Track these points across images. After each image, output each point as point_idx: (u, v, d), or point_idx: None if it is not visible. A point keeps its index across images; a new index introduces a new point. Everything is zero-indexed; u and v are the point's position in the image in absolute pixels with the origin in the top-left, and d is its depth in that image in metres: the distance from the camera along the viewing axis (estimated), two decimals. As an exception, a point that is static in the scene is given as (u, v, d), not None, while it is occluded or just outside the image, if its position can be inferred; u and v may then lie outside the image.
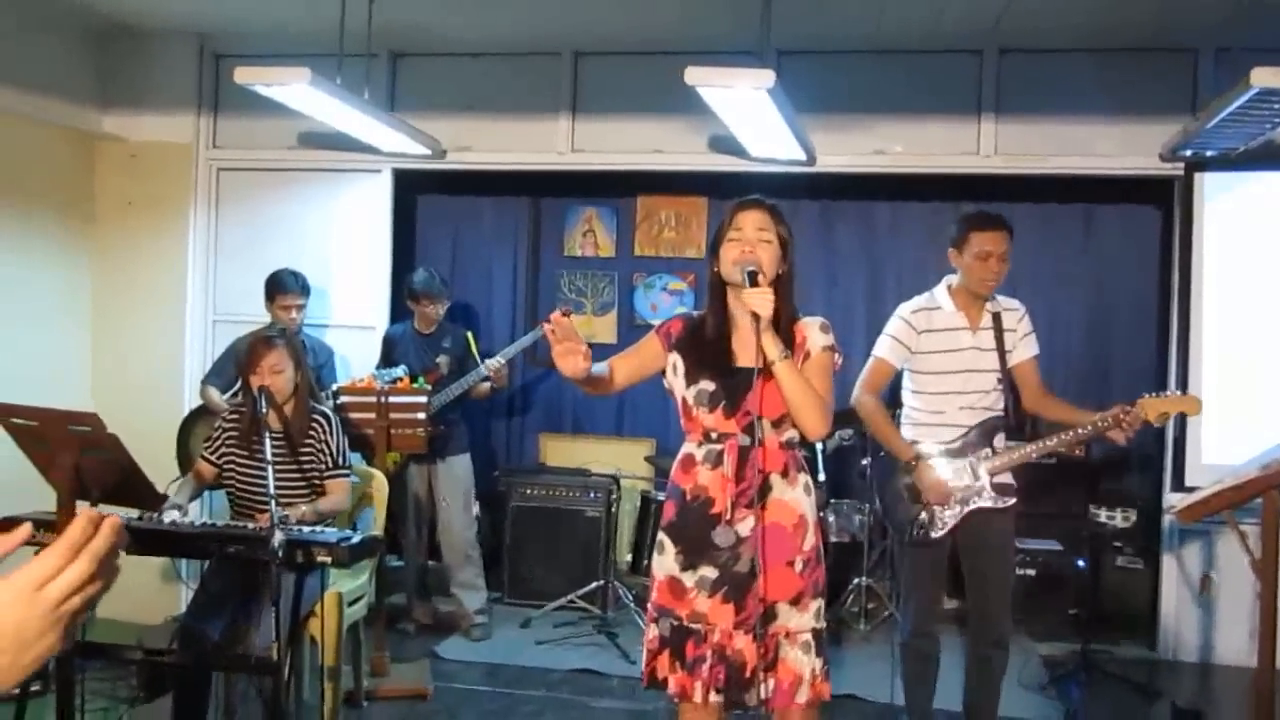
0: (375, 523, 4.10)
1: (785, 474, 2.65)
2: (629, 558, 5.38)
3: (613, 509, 5.47)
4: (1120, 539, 5.22)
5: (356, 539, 3.10)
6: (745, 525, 2.60)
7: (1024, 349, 3.68)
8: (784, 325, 2.63)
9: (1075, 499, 5.42)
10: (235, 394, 4.84)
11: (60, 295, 5.33)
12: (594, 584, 5.27)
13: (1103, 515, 4.72)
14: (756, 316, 2.51)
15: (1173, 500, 4.77)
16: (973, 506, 3.54)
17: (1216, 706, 4.46)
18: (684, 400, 2.69)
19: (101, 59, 5.40)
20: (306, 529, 3.19)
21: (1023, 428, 5.06)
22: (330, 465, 3.71)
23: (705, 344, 2.67)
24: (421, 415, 4.46)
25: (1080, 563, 5.13)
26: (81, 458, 2.74)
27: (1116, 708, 4.46)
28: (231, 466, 3.67)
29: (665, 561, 2.68)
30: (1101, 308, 5.89)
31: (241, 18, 5.13)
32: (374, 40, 4.79)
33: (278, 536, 2.81)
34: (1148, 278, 5.67)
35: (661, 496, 5.15)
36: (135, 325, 5.44)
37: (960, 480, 3.54)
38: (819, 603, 2.68)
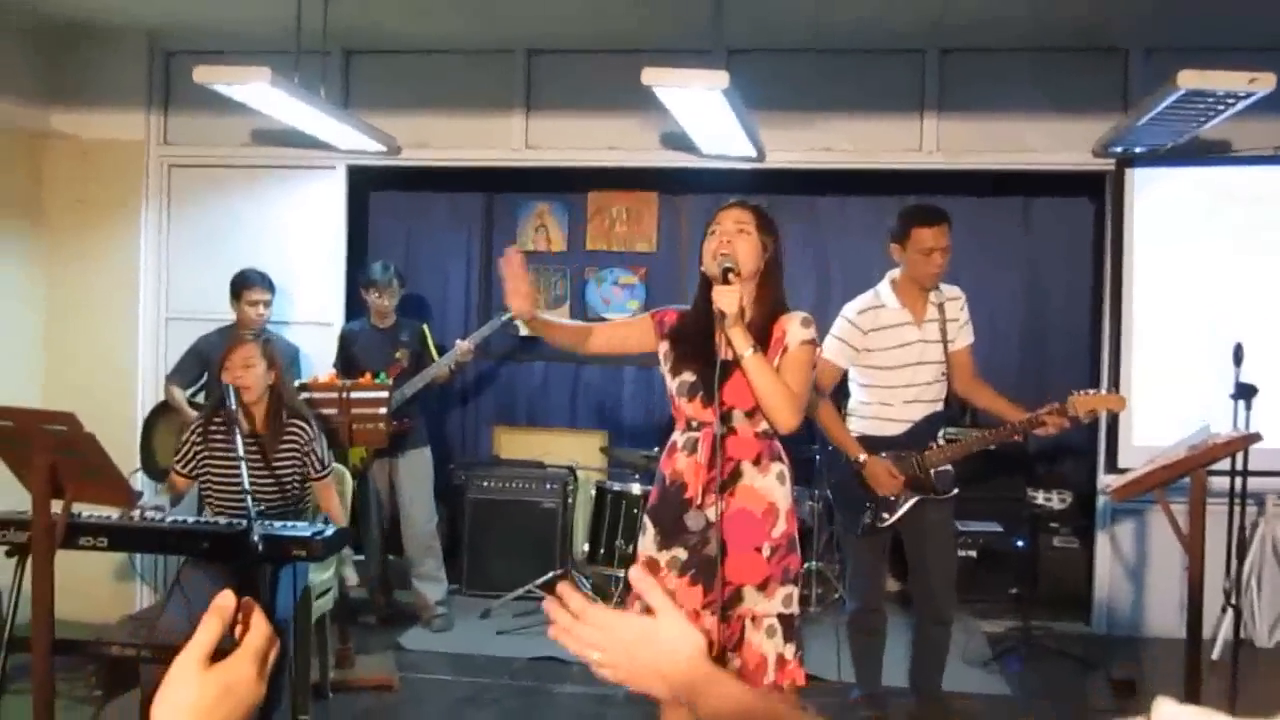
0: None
1: (757, 462, 2.75)
2: (586, 548, 5.48)
3: (569, 500, 5.57)
4: (1057, 520, 5.45)
5: (330, 532, 3.17)
6: (714, 510, 2.70)
7: (963, 337, 3.84)
8: (766, 318, 2.75)
9: (1013, 482, 5.64)
10: (197, 393, 4.85)
11: (12, 294, 5.28)
12: (552, 573, 5.37)
13: (1040, 497, 4.91)
14: (721, 313, 2.63)
15: (1107, 481, 4.98)
16: (918, 498, 3.72)
17: (1149, 677, 4.67)
18: (670, 389, 2.83)
19: (48, 56, 5.34)
20: (279, 525, 3.24)
21: (964, 414, 5.27)
22: (317, 470, 3.72)
23: (689, 336, 2.80)
24: (383, 410, 4.51)
25: (1019, 543, 5.34)
26: (56, 457, 2.76)
27: (1056, 680, 4.67)
28: (206, 468, 3.64)
29: (645, 542, 2.83)
30: (1038, 296, 6.11)
31: (192, 14, 5.11)
32: (327, 37, 4.82)
33: (256, 532, 2.87)
34: (1081, 267, 5.89)
35: (616, 487, 5.32)
36: (88, 323, 5.40)
37: (907, 473, 3.70)
38: (788, 589, 2.76)
